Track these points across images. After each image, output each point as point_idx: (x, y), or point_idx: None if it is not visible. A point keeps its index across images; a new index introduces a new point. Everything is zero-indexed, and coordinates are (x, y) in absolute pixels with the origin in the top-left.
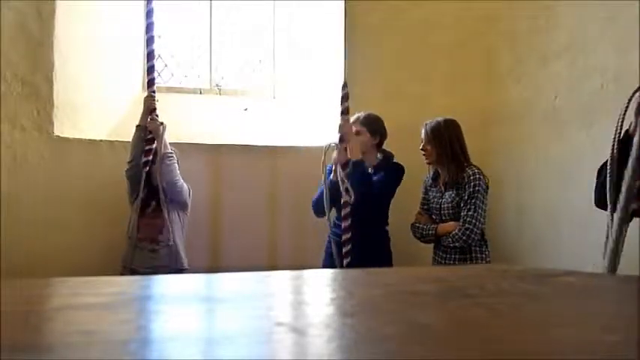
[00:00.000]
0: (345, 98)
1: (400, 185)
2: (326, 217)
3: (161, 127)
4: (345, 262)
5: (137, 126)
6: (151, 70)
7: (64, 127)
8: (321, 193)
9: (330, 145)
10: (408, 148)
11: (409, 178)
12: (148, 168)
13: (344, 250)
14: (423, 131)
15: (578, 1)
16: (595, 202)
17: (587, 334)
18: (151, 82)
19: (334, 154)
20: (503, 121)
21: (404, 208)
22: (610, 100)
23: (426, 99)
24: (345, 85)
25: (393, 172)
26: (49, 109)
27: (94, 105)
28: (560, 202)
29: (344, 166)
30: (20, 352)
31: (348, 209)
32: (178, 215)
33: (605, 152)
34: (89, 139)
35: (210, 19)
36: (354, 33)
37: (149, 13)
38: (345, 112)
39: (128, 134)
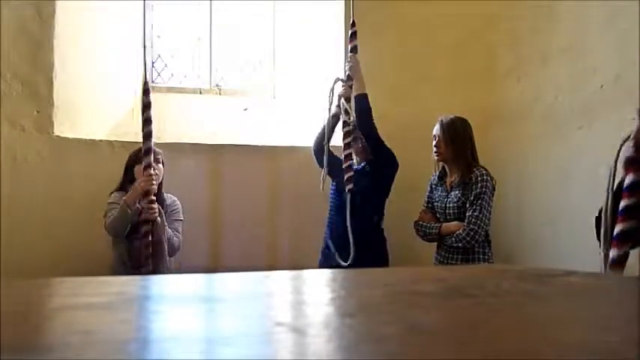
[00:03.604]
0: (353, 36)
1: (402, 183)
2: (325, 152)
3: (159, 218)
4: (341, 260)
5: (123, 203)
6: (147, 122)
7: (64, 127)
8: (323, 128)
9: (337, 80)
10: (409, 147)
11: (411, 176)
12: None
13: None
14: (437, 127)
15: (578, 1)
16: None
17: (587, 334)
18: (148, 166)
19: (340, 90)
20: (503, 121)
21: (406, 206)
22: (610, 100)
23: (426, 99)
24: (353, 24)
25: (388, 162)
26: (49, 109)
27: (94, 105)
28: (560, 202)
29: (347, 99)
30: (20, 352)
31: (349, 138)
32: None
33: (604, 152)
34: (89, 139)
35: (210, 19)
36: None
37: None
38: (353, 50)
39: (128, 134)
